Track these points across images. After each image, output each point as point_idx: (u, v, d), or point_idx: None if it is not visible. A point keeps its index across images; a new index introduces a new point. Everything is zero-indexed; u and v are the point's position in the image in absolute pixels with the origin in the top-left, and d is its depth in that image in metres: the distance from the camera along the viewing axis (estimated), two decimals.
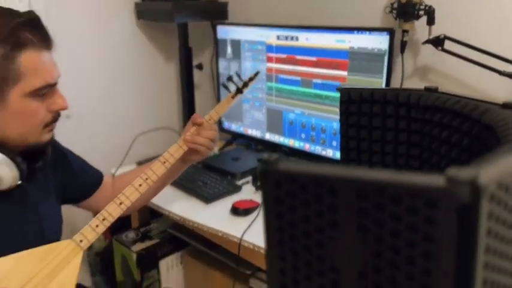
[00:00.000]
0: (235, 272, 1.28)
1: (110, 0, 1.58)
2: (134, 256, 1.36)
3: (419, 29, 1.23)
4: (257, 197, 1.26)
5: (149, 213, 1.55)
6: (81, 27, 1.52)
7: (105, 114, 1.64)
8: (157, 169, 0.94)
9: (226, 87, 1.13)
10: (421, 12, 1.17)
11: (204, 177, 1.37)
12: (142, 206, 1.18)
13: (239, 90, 1.11)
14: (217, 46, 1.63)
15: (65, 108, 0.82)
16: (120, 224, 1.55)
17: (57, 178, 0.96)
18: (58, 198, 0.97)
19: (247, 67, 1.55)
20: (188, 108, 1.73)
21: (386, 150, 0.66)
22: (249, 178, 1.38)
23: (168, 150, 0.98)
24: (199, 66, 1.75)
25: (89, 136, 1.63)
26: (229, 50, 1.60)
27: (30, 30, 0.74)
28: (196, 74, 1.75)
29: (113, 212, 0.84)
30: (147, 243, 1.40)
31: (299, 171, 0.34)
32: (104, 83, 1.62)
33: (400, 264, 0.31)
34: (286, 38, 1.41)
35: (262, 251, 1.04)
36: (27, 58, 0.73)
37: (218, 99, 1.72)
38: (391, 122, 0.65)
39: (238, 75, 1.13)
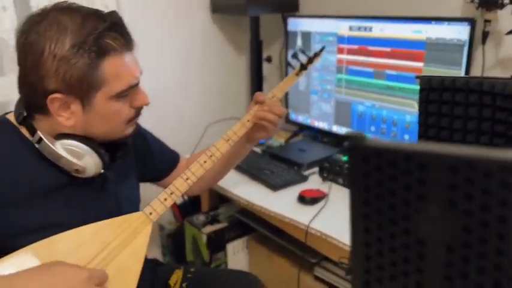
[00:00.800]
0: (301, 260, 1.31)
1: None
2: (204, 238, 1.43)
3: (503, 19, 1.17)
4: (324, 187, 1.27)
5: (218, 198, 1.62)
6: (157, 19, 1.60)
7: (178, 105, 1.73)
8: (221, 146, 0.95)
9: (290, 65, 1.12)
10: (506, 1, 1.11)
11: (270, 166, 1.41)
12: (210, 187, 1.21)
13: (303, 67, 1.10)
14: (288, 38, 1.65)
15: (146, 104, 0.85)
16: (191, 208, 1.65)
17: (137, 159, 1.03)
18: (137, 177, 1.04)
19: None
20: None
21: (468, 139, 0.65)
22: (316, 169, 1.39)
23: (231, 128, 0.99)
24: (269, 59, 1.79)
25: (162, 126, 1.71)
26: (299, 41, 1.61)
27: (113, 35, 0.75)
28: (265, 67, 1.79)
29: (179, 186, 0.88)
30: (216, 227, 1.47)
31: (386, 147, 0.36)
32: (177, 74, 1.71)
33: (489, 239, 0.32)
34: (359, 28, 1.40)
35: (330, 240, 1.06)
36: (110, 64, 0.76)
37: (286, 94, 1.74)
38: (474, 110, 0.64)
39: (303, 52, 1.12)
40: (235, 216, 1.50)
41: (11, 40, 1.28)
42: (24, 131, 0.80)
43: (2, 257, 0.71)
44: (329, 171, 1.33)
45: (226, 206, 1.60)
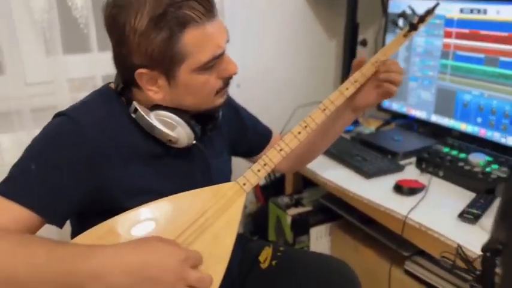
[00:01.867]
0: (389, 251, 1.25)
1: None
2: (289, 219, 1.42)
3: None
4: (423, 179, 1.19)
5: (302, 182, 1.60)
6: (253, 1, 1.59)
7: (267, 87, 1.72)
8: (317, 117, 0.89)
9: (396, 24, 1.01)
10: None
11: (362, 153, 1.36)
12: (306, 163, 1.17)
13: (413, 27, 0.98)
14: (387, 21, 1.56)
15: (235, 73, 0.82)
16: (273, 190, 1.65)
17: (230, 133, 1.02)
18: (229, 152, 1.04)
19: (420, 43, 1.46)
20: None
21: None
22: (412, 159, 1.32)
23: (328, 97, 0.92)
24: (364, 43, 1.72)
25: (250, 107, 1.74)
26: (400, 24, 1.52)
27: (192, 5, 0.71)
28: (359, 51, 1.72)
29: (273, 157, 0.84)
30: (301, 209, 1.46)
31: None
32: (268, 55, 1.69)
33: None
34: (472, 11, 1.29)
35: (430, 233, 0.99)
36: (191, 36, 0.72)
37: None
38: None
39: (412, 10, 0.99)
40: (320, 201, 1.47)
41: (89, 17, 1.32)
42: (123, 100, 0.82)
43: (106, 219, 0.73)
44: (428, 162, 1.24)
45: (310, 191, 1.58)
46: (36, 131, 1.28)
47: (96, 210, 0.77)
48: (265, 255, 1.06)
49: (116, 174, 0.78)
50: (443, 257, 0.95)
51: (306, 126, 0.88)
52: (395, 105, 1.60)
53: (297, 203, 1.49)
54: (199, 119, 0.84)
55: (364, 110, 1.04)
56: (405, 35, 1.02)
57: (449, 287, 1.11)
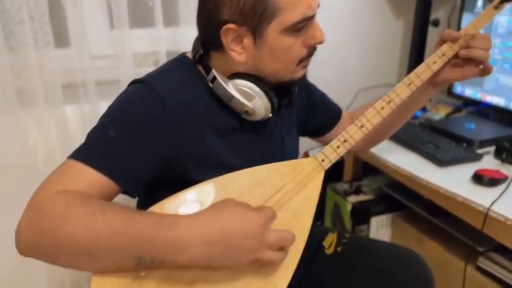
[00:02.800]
0: (459, 246, 1.17)
1: None
2: (349, 206, 1.36)
3: None
4: (504, 170, 1.09)
5: (362, 169, 1.53)
6: None
7: (332, 68, 1.64)
8: (402, 91, 0.82)
9: None
10: None
11: (434, 139, 1.26)
12: (375, 143, 1.10)
13: None
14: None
15: (322, 42, 0.77)
16: (331, 177, 1.58)
17: (300, 110, 0.98)
18: (298, 131, 1.00)
19: (502, 23, 1.33)
20: (415, 66, 1.61)
21: None
22: (490, 149, 1.21)
23: (413, 71, 0.85)
24: (435, 23, 1.60)
25: None
26: (479, 2, 1.40)
27: None
28: (430, 31, 1.61)
29: (353, 134, 0.79)
30: (362, 197, 1.39)
31: None
32: (334, 35, 1.61)
33: None
34: None
35: None
36: None
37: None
38: None
39: None
40: (383, 190, 1.39)
41: None
42: (200, 69, 0.79)
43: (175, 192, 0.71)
44: (510, 152, 1.14)
45: (370, 179, 1.50)
46: (100, 104, 1.30)
47: (167, 182, 0.75)
48: (330, 241, 1.01)
49: (191, 144, 0.75)
50: None
51: (389, 102, 0.81)
52: (468, 91, 1.48)
53: (357, 191, 1.43)
54: (275, 92, 0.79)
55: (443, 87, 0.96)
56: (496, 7, 0.91)
57: None
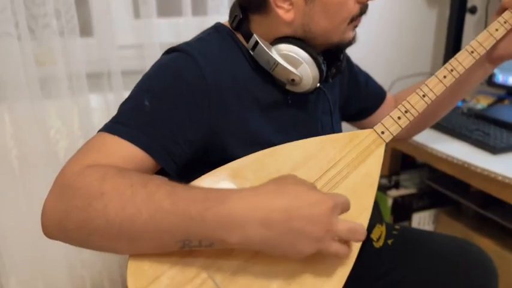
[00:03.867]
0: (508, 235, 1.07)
1: None
2: (390, 201, 1.27)
3: None
4: None
5: (400, 163, 1.44)
6: None
7: (367, 57, 1.55)
8: (464, 59, 0.75)
9: None
10: None
11: (482, 127, 1.17)
12: (420, 131, 1.02)
13: None
14: None
15: None
16: None
17: (343, 89, 0.92)
18: (340, 111, 0.93)
19: None
20: (451, 55, 1.53)
21: None
22: None
23: (475, 39, 0.79)
24: (473, 10, 1.52)
25: None
26: None
27: None
28: (467, 19, 1.52)
29: (415, 104, 0.71)
30: (403, 192, 1.30)
31: None
32: (366, 26, 1.55)
33: None
34: None
35: None
36: None
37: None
38: None
39: None
40: (425, 183, 1.30)
41: None
42: (239, 37, 0.73)
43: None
44: None
45: (410, 173, 1.41)
46: (125, 93, 1.23)
47: (205, 160, 0.68)
48: (379, 234, 0.92)
49: (233, 118, 0.68)
50: None
51: (452, 70, 0.74)
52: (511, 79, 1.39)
53: (397, 185, 1.33)
54: (324, 59, 0.72)
55: (501, 63, 0.88)
56: None
57: None
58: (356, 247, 0.60)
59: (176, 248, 0.53)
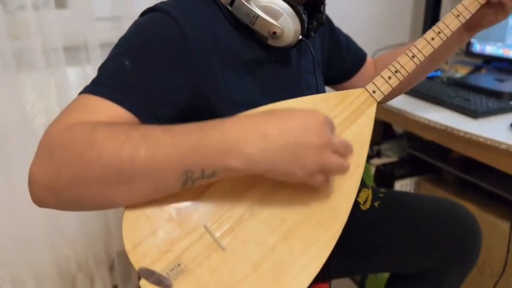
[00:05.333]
0: (502, 205, 1.10)
1: None
2: (373, 169, 1.29)
3: None
4: None
5: (382, 133, 1.46)
6: None
7: (345, 30, 1.58)
8: (451, 22, 0.77)
9: None
10: None
11: (462, 93, 1.20)
12: (398, 94, 1.02)
13: None
14: None
15: None
16: None
17: (324, 50, 0.92)
18: (323, 74, 0.92)
19: None
20: (430, 25, 1.55)
21: None
22: None
23: (461, 2, 0.80)
24: None
25: None
26: None
27: None
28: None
29: (405, 64, 0.73)
30: (385, 160, 1.32)
31: None
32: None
33: None
34: None
35: None
36: None
37: None
38: None
39: None
40: (407, 152, 1.33)
41: None
42: None
43: None
44: None
45: (391, 143, 1.44)
46: None
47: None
48: (365, 197, 0.94)
49: (216, 76, 0.67)
50: None
51: (439, 32, 0.75)
52: (489, 48, 1.42)
53: (379, 154, 1.36)
54: (304, 9, 0.70)
55: (481, 30, 0.89)
56: None
57: None
58: (353, 184, 0.62)
59: (178, 186, 0.52)
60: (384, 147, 1.42)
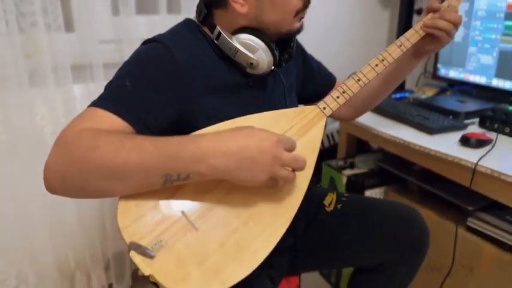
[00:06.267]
0: (449, 210, 1.24)
1: None
2: (344, 179, 1.43)
3: None
4: (489, 135, 1.18)
5: (355, 147, 1.61)
6: None
7: (320, 58, 1.74)
8: (393, 51, 0.91)
9: None
10: None
11: (423, 113, 1.35)
12: (364, 111, 1.17)
13: None
14: None
15: None
16: (324, 155, 1.66)
17: (298, 73, 1.06)
18: (297, 95, 1.07)
19: (482, 6, 1.44)
20: None
21: None
22: (475, 120, 1.30)
23: (404, 35, 0.94)
24: (419, 11, 1.70)
25: None
26: None
27: None
28: (415, 19, 1.71)
29: (351, 86, 0.87)
30: (356, 171, 1.46)
31: None
32: (321, 26, 1.71)
33: None
34: None
35: (504, 177, 0.98)
36: None
37: None
38: None
39: None
40: (376, 164, 1.47)
41: None
42: (205, 30, 0.86)
43: None
44: (493, 119, 1.23)
45: (364, 156, 1.58)
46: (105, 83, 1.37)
47: (178, 133, 0.81)
48: (330, 200, 1.08)
49: (201, 97, 0.81)
50: None
51: (383, 60, 0.89)
52: (452, 73, 1.58)
53: (352, 166, 1.50)
54: (276, 45, 0.86)
55: (427, 56, 1.04)
56: None
57: None
58: (302, 184, 0.75)
59: (160, 184, 0.66)
60: (358, 159, 1.57)
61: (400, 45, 0.92)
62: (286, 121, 0.80)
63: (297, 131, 0.80)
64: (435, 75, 1.65)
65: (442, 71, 1.62)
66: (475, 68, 1.49)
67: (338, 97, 0.85)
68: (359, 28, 1.79)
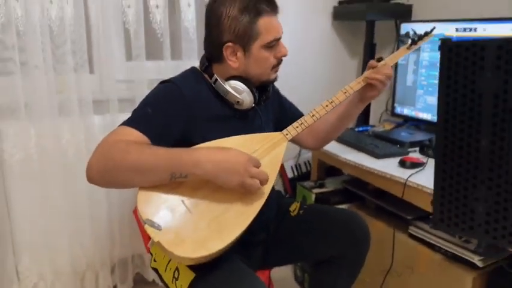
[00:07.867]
0: (393, 219, 1.53)
1: (313, 2, 2.02)
2: (313, 196, 1.72)
3: None
4: (424, 159, 1.48)
5: (325, 172, 1.90)
6: (288, 22, 1.97)
7: (293, 100, 2.05)
8: (340, 96, 1.23)
9: (402, 42, 1.35)
10: None
11: (375, 142, 1.66)
12: (325, 142, 1.45)
13: (414, 42, 1.32)
14: (399, 41, 1.90)
15: (286, 55, 1.17)
16: (299, 178, 1.96)
17: (275, 110, 1.36)
18: (273, 127, 1.35)
19: (425, 57, 1.78)
20: None
21: None
22: (417, 148, 1.61)
23: (348, 84, 1.25)
24: (379, 60, 2.03)
25: None
26: (407, 41, 1.85)
27: (266, 2, 1.09)
28: None
29: (307, 120, 1.18)
30: (324, 190, 1.76)
31: (462, 42, 0.63)
32: (295, 72, 2.04)
33: None
34: (465, 29, 1.61)
35: (428, 190, 1.27)
36: (264, 21, 1.08)
37: (394, 90, 1.98)
38: None
39: (414, 32, 1.35)
40: (341, 185, 1.77)
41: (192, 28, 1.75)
42: (206, 76, 1.18)
43: None
44: (428, 147, 1.54)
45: (332, 179, 1.88)
46: (120, 115, 1.68)
47: (182, 146, 1.08)
48: (294, 207, 1.36)
49: (200, 125, 1.11)
50: None
51: (331, 102, 1.21)
52: (406, 110, 1.91)
53: (321, 186, 1.79)
54: (257, 90, 1.18)
55: (370, 101, 1.35)
56: (408, 48, 1.35)
57: (449, 245, 1.37)
58: (264, 191, 1.03)
59: (168, 179, 0.96)
60: (328, 181, 1.86)
61: (345, 92, 1.24)
62: (256, 142, 1.11)
63: (263, 150, 1.10)
64: (393, 113, 1.97)
65: (398, 109, 1.95)
66: (423, 106, 1.82)
67: (297, 127, 1.17)
68: (331, 73, 2.13)
